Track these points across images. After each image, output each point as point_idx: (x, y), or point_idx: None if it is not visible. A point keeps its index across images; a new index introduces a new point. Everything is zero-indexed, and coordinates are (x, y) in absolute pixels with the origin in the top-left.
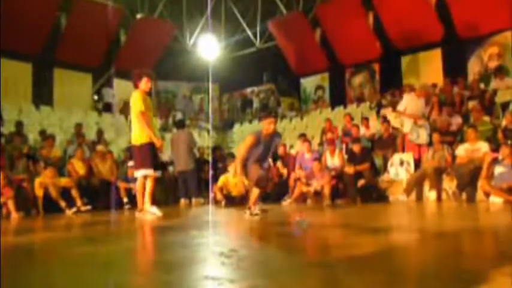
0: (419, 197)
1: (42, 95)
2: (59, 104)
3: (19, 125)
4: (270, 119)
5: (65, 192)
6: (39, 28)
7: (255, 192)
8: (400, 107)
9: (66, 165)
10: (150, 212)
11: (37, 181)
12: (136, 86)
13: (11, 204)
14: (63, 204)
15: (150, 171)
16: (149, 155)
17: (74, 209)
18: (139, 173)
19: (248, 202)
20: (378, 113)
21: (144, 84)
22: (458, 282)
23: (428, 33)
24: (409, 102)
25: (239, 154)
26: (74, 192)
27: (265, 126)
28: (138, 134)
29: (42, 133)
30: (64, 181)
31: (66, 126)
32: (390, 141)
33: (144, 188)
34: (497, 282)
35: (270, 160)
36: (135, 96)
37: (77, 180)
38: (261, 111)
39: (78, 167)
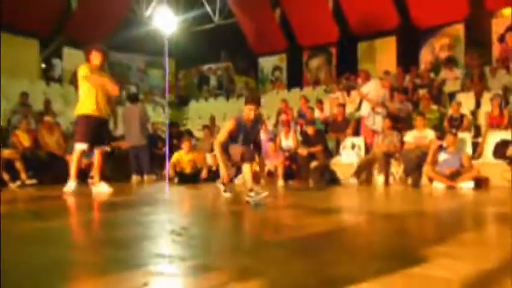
0: (369, 180)
1: None
2: (3, 72)
3: None
4: (250, 106)
5: (8, 165)
6: None
7: (246, 169)
8: (364, 89)
9: (10, 136)
10: (98, 188)
11: None
12: (87, 59)
13: None
14: (6, 177)
15: (82, 146)
16: (86, 127)
17: (18, 183)
18: (75, 147)
19: (246, 184)
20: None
21: (95, 58)
22: (402, 261)
23: (385, 21)
24: (372, 88)
25: (218, 140)
26: (18, 165)
27: (246, 111)
28: (79, 104)
29: None
30: (7, 153)
31: (10, 95)
32: (344, 125)
33: (78, 162)
34: (437, 262)
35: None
36: (81, 67)
37: (22, 152)
38: (218, 89)
39: (23, 139)
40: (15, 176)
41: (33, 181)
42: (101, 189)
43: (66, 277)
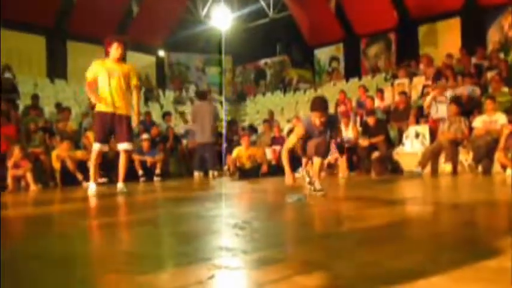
0: (435, 170)
1: (57, 68)
2: (73, 77)
3: (35, 98)
4: (316, 113)
5: (81, 165)
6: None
7: (316, 163)
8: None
9: (81, 138)
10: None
11: (54, 154)
12: (107, 53)
13: (29, 177)
14: (80, 176)
15: (97, 146)
16: (99, 126)
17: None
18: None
19: (310, 177)
20: (392, 84)
21: (115, 50)
22: (472, 253)
23: (447, 1)
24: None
25: (287, 146)
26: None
27: (312, 118)
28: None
29: (58, 106)
30: (80, 154)
31: (80, 99)
32: (406, 113)
33: (95, 162)
34: (509, 255)
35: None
36: (92, 64)
37: None
38: (275, 83)
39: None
40: (88, 175)
41: (104, 180)
42: (120, 189)
43: (135, 269)
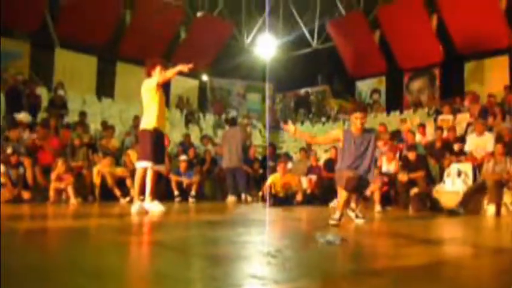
0: (477, 210)
1: (105, 87)
2: (120, 97)
3: (82, 115)
4: (356, 114)
5: (120, 182)
6: (104, 22)
7: (342, 196)
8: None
9: (122, 155)
10: (149, 208)
11: (95, 169)
12: (149, 74)
13: (70, 190)
14: (118, 193)
15: (148, 164)
16: (150, 143)
17: (128, 198)
18: (138, 165)
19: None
20: (435, 120)
21: (158, 73)
22: None
23: (496, 39)
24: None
25: (316, 139)
26: (129, 182)
27: (353, 120)
28: (145, 119)
29: (104, 124)
30: (120, 171)
31: (125, 118)
32: (443, 151)
33: (142, 180)
34: None
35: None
36: (149, 81)
37: (132, 171)
38: (315, 113)
39: (134, 158)
40: (126, 192)
41: (142, 197)
42: (153, 209)
43: None
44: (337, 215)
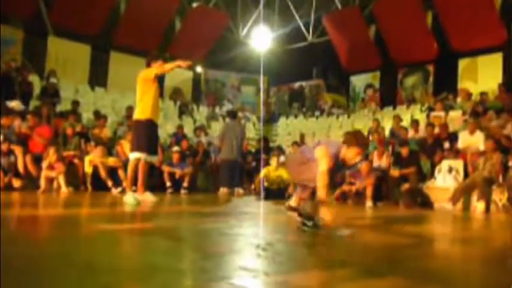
0: (466, 207)
1: (98, 76)
2: (113, 86)
3: (75, 104)
4: (358, 149)
5: (112, 172)
6: (98, 11)
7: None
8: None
9: (115, 145)
10: (140, 198)
11: (87, 159)
12: (148, 65)
13: (61, 179)
14: (110, 183)
15: (141, 155)
16: (144, 134)
17: (120, 189)
18: (132, 155)
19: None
20: (428, 116)
21: (158, 65)
22: None
23: (490, 36)
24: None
25: (325, 168)
26: (121, 173)
27: (351, 154)
28: (139, 109)
29: (96, 113)
30: (112, 161)
31: (118, 108)
32: (435, 147)
33: (135, 171)
34: None
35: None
36: (147, 72)
37: (124, 161)
38: (308, 107)
39: (126, 148)
40: (117, 182)
41: (134, 188)
42: (146, 199)
43: (154, 281)
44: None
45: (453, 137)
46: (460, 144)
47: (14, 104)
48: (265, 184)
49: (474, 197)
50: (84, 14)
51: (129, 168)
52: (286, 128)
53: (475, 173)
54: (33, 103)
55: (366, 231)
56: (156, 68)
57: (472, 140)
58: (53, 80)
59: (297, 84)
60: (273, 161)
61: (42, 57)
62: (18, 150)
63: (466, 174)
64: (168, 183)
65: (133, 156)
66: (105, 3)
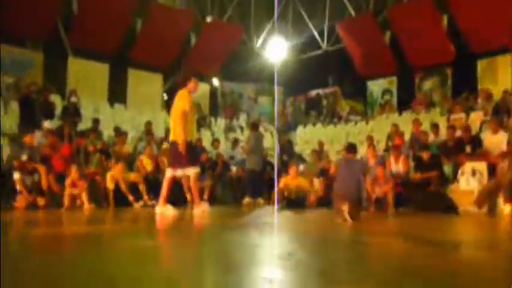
0: (492, 210)
1: (117, 93)
2: (132, 103)
3: (96, 122)
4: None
5: (133, 187)
6: (115, 30)
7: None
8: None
9: (135, 161)
10: (162, 211)
11: (109, 175)
12: (180, 84)
13: (84, 196)
14: (131, 198)
15: (178, 172)
16: (181, 154)
17: (141, 203)
18: (168, 173)
19: None
20: (448, 119)
21: (193, 85)
22: None
23: (508, 35)
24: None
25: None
26: (142, 187)
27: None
28: (177, 131)
29: (116, 130)
30: (133, 176)
31: (137, 124)
32: (456, 149)
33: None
34: None
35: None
36: (183, 94)
37: (145, 176)
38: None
39: (147, 164)
40: (139, 197)
41: (154, 202)
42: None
43: None
44: None
45: (476, 140)
46: (485, 145)
47: (47, 124)
48: (285, 194)
49: (501, 199)
50: (102, 33)
51: (191, 184)
52: (304, 137)
53: (500, 174)
54: (56, 123)
55: (392, 240)
56: (185, 103)
57: (496, 140)
58: (73, 99)
59: (313, 92)
60: (292, 170)
61: (63, 77)
62: (42, 169)
63: (490, 177)
64: (188, 197)
65: (169, 173)
66: (122, 23)
